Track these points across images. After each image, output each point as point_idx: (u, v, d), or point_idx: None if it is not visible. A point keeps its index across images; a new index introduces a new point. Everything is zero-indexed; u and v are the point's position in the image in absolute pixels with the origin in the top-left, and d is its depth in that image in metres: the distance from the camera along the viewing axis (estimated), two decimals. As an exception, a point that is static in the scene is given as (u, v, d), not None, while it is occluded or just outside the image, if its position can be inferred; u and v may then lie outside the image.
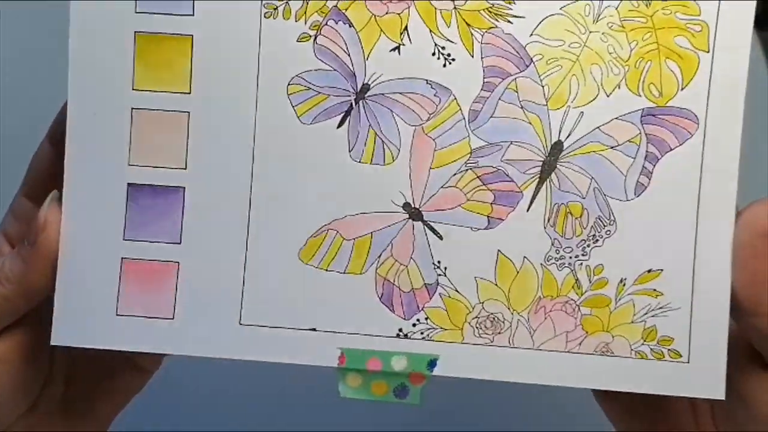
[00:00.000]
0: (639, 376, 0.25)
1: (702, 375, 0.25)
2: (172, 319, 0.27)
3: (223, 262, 0.27)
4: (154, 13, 0.26)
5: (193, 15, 0.26)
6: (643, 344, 0.25)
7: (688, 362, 0.25)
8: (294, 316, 0.26)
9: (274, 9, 0.26)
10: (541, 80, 0.26)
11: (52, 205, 0.26)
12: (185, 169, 0.27)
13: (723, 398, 0.25)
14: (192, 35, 0.26)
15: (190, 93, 0.27)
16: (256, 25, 0.26)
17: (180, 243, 0.27)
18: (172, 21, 0.26)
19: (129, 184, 0.27)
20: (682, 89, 0.25)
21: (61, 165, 0.27)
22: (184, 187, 0.27)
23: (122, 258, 0.27)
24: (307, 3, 0.26)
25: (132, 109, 0.27)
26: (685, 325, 0.25)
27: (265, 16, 0.26)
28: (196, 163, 0.27)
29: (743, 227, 0.25)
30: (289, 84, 0.26)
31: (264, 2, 0.26)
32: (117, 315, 0.27)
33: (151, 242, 0.27)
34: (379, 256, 0.26)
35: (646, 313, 0.25)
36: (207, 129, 0.27)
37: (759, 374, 0.25)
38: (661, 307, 0.25)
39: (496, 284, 0.26)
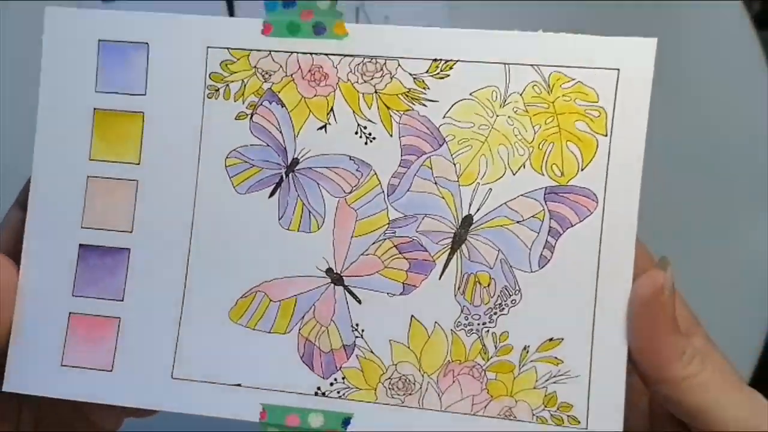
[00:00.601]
0: None
1: None
2: (111, 371, 0.29)
3: (160, 319, 0.29)
4: (111, 93, 0.30)
5: (145, 95, 0.29)
6: (544, 410, 0.27)
7: (587, 428, 0.26)
8: (221, 372, 0.28)
9: (216, 90, 0.29)
10: (453, 158, 0.28)
11: (2, 259, 0.29)
12: (131, 232, 0.29)
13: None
14: (143, 112, 0.29)
15: (139, 164, 0.29)
16: (199, 104, 0.29)
17: (122, 300, 0.29)
18: (126, 99, 0.30)
19: (81, 245, 0.29)
20: (582, 169, 0.27)
21: None
22: (129, 249, 0.29)
23: (70, 312, 0.29)
24: (245, 85, 0.29)
25: (88, 177, 0.30)
26: (583, 392, 0.26)
27: (207, 97, 0.29)
28: (142, 226, 0.29)
29: (633, 297, 0.26)
30: (227, 157, 0.29)
31: (207, 84, 0.29)
32: (62, 365, 0.29)
33: (97, 299, 0.29)
34: (303, 317, 0.28)
35: (547, 380, 0.27)
36: (152, 196, 0.29)
37: None
38: (561, 374, 0.27)
39: (408, 347, 0.28)
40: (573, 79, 0.27)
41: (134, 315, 0.29)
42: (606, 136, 0.27)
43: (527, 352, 0.27)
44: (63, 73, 0.30)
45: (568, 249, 0.27)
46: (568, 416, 0.26)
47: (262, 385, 0.28)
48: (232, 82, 0.29)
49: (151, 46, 0.29)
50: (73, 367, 0.29)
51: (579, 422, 0.26)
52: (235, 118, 0.29)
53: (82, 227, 0.29)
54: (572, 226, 0.27)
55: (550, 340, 0.27)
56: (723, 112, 0.47)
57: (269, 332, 0.28)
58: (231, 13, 0.47)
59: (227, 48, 0.29)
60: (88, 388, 0.29)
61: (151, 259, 0.29)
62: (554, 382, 0.27)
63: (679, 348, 0.25)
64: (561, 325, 0.27)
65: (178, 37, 0.29)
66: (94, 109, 0.30)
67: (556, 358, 0.27)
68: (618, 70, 0.27)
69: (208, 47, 0.29)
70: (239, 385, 0.28)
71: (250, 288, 0.29)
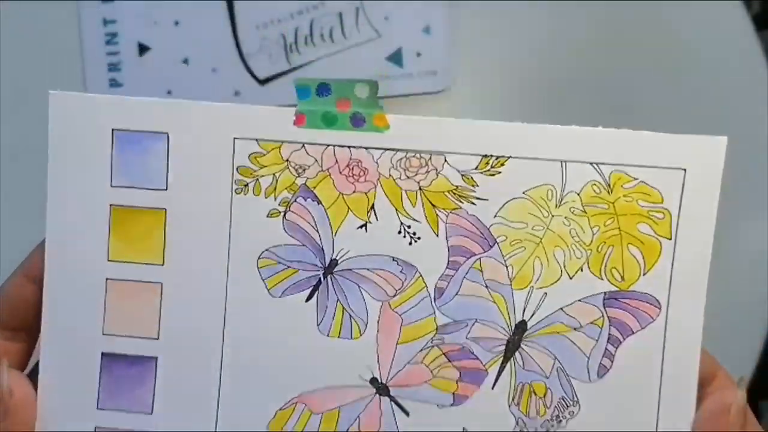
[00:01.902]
0: None
1: None
2: None
3: None
4: (129, 187, 0.27)
5: (166, 189, 0.27)
6: None
7: None
8: None
9: (245, 185, 0.27)
10: (505, 260, 0.26)
11: (12, 374, 0.27)
12: (158, 338, 0.27)
13: None
14: (165, 209, 0.27)
15: (163, 264, 0.27)
16: (227, 201, 0.27)
17: (151, 414, 0.27)
18: (146, 195, 0.27)
19: (103, 354, 0.27)
20: (645, 274, 0.25)
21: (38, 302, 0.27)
22: (157, 358, 0.27)
23: (96, 427, 0.27)
24: (277, 180, 0.27)
25: (107, 279, 0.27)
26: None
27: (236, 192, 0.27)
28: (169, 333, 0.27)
29: (699, 413, 0.25)
30: (259, 258, 0.27)
31: (235, 178, 0.27)
32: None
33: (124, 412, 0.27)
34: (347, 430, 0.27)
35: (608, 494, 0.26)
36: (179, 299, 0.27)
37: None
38: None
39: None
40: (635, 179, 0.25)
41: (165, 429, 0.27)
42: (670, 239, 0.25)
43: (587, 466, 0.26)
44: (73, 165, 0.27)
45: (629, 358, 0.26)
46: None
47: None
48: (263, 176, 0.27)
49: (171, 137, 0.27)
50: None
51: None
52: (267, 216, 0.27)
53: (104, 334, 0.27)
54: (633, 333, 0.26)
55: (611, 454, 0.26)
56: (723, 112, 0.47)
57: (311, 446, 0.27)
58: (231, 13, 0.45)
59: (256, 139, 0.27)
60: None
61: (181, 368, 0.27)
62: None
63: None
64: (622, 439, 0.26)
65: (201, 127, 0.27)
66: (111, 205, 0.27)
67: None
68: (684, 170, 0.25)
69: (234, 138, 0.27)
70: (282, 502, 0.27)
71: (289, 399, 0.27)
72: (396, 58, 0.45)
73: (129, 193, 0.27)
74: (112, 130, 0.27)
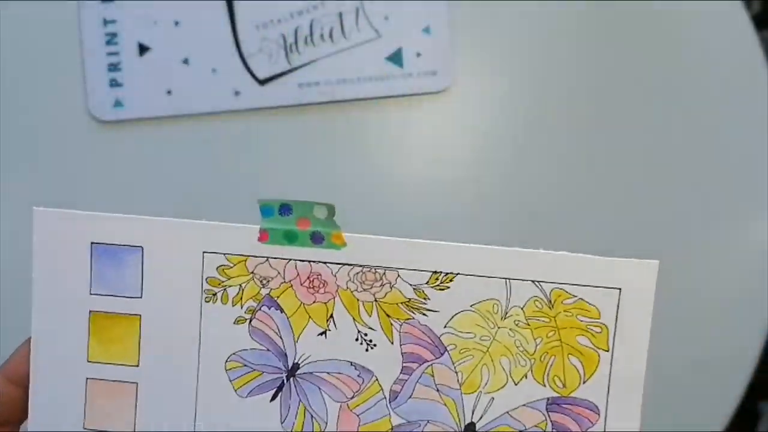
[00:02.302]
0: None
1: None
2: None
3: None
4: (106, 295, 0.29)
5: (141, 297, 0.29)
6: None
7: None
8: None
9: (213, 294, 0.29)
10: (454, 367, 0.28)
11: None
12: (134, 435, 0.29)
13: None
14: (140, 315, 0.29)
15: (138, 366, 0.29)
16: (197, 308, 0.29)
17: (129, 502, 0.29)
18: (122, 302, 0.29)
19: (82, 449, 0.29)
20: (584, 382, 0.27)
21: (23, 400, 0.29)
22: (134, 452, 0.29)
23: None
24: (243, 290, 0.29)
25: (87, 379, 0.29)
26: None
27: (205, 300, 0.29)
28: (144, 429, 0.29)
29: None
30: (227, 361, 0.29)
31: (205, 288, 0.29)
32: None
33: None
34: None
35: None
36: (153, 399, 0.29)
37: None
38: None
39: None
40: (574, 296, 0.27)
41: None
42: (608, 351, 0.27)
43: None
44: (56, 275, 0.29)
45: None
46: None
47: None
48: (230, 286, 0.29)
49: (145, 250, 0.29)
50: None
51: None
52: (234, 323, 0.29)
53: (84, 429, 0.29)
54: (574, 437, 0.27)
55: None
56: (723, 112, 0.47)
57: None
58: (231, 13, 0.45)
59: (224, 254, 0.28)
60: None
61: (155, 462, 0.29)
62: None
63: None
64: None
65: (173, 242, 0.29)
66: (90, 311, 0.29)
67: None
68: (620, 289, 0.27)
69: (204, 252, 0.29)
70: None
71: (255, 493, 0.29)
72: (396, 58, 0.45)
73: (107, 301, 0.29)
74: (91, 243, 0.29)
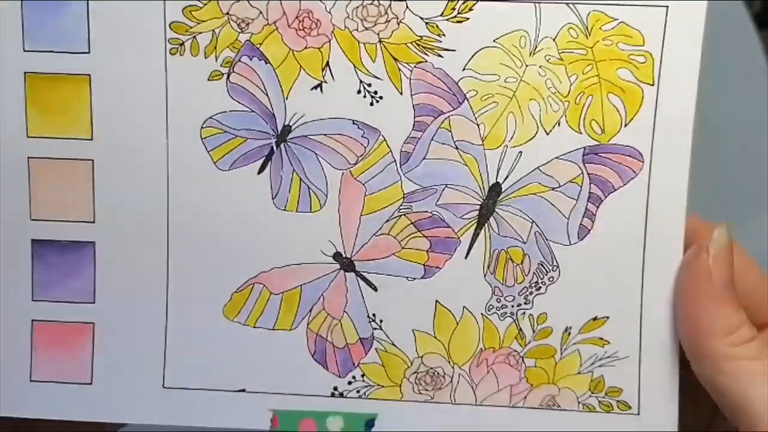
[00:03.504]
0: (588, 430, 0.24)
1: (654, 427, 0.24)
2: (90, 383, 0.25)
3: (143, 321, 0.25)
4: (45, 51, 0.24)
5: (89, 53, 0.24)
6: (590, 396, 0.24)
7: (639, 414, 0.24)
8: (221, 377, 0.25)
9: (180, 44, 0.24)
10: (476, 118, 0.24)
11: None
12: (93, 222, 0.24)
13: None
14: (89, 75, 0.24)
15: (91, 139, 0.24)
16: (160, 62, 0.24)
17: (94, 302, 0.25)
18: (65, 59, 0.24)
19: (33, 241, 0.24)
20: (626, 125, 0.23)
21: None
22: (94, 242, 0.24)
23: (32, 320, 0.25)
24: (217, 37, 0.23)
25: (28, 158, 0.24)
26: (633, 375, 0.24)
27: (170, 53, 0.24)
28: (105, 215, 0.24)
29: (682, 272, 0.23)
30: (202, 127, 0.24)
31: (168, 37, 0.23)
32: (31, 381, 0.25)
33: (62, 302, 0.25)
34: (310, 311, 0.25)
35: (592, 363, 0.24)
36: (114, 177, 0.24)
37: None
38: (608, 357, 0.24)
39: (434, 337, 0.24)
40: (615, 19, 0.23)
41: (110, 318, 0.25)
42: (653, 85, 0.23)
43: (569, 334, 0.24)
44: None
45: (611, 217, 0.24)
46: (617, 401, 0.24)
47: (270, 389, 0.25)
48: (200, 33, 0.23)
49: (91, -10, 0.23)
50: (44, 382, 0.25)
51: (630, 407, 0.24)
52: (209, 79, 0.24)
53: (32, 219, 0.24)
54: (615, 190, 0.24)
55: (594, 319, 0.24)
56: (723, 111, 0.45)
57: (272, 329, 0.25)
58: None
59: (190, -10, 0.23)
60: (65, 404, 0.25)
61: (123, 254, 0.24)
62: (600, 366, 0.24)
63: (727, 322, 0.23)
64: (606, 303, 0.24)
65: (125, -22, 0.23)
66: (25, 72, 0.24)
67: (601, 338, 0.24)
68: (667, 7, 0.23)
69: (165, -11, 0.23)
70: (243, 390, 0.25)
71: (245, 280, 0.24)
72: None
73: (46, 58, 0.24)
74: (20, -17, 0.23)
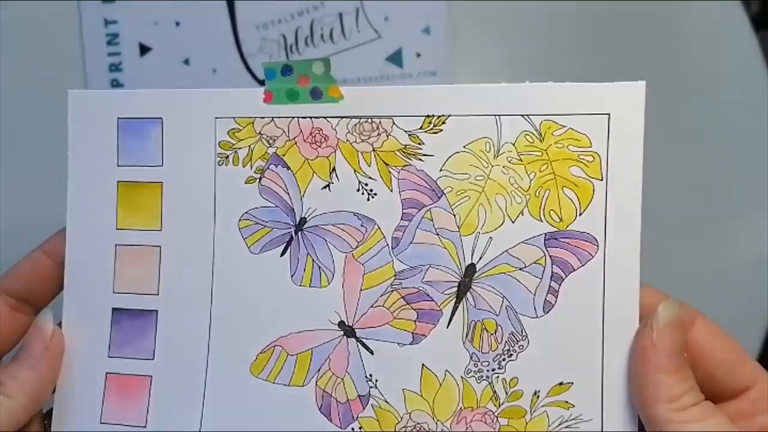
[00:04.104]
0: None
1: None
2: (144, 427, 0.31)
3: (188, 376, 0.31)
4: (132, 166, 0.32)
5: (162, 166, 0.31)
6: None
7: None
8: (245, 425, 0.30)
9: (225, 157, 0.31)
10: (452, 210, 0.29)
11: (48, 318, 0.31)
12: (158, 294, 0.31)
13: None
14: (162, 182, 0.31)
15: (161, 230, 0.31)
16: (211, 172, 0.31)
17: (153, 359, 0.31)
18: (145, 171, 0.32)
19: (114, 309, 0.32)
20: (581, 214, 0.27)
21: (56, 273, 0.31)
22: (157, 311, 0.31)
23: (107, 373, 0.31)
24: (252, 151, 0.31)
25: (116, 245, 0.32)
26: None
27: (218, 164, 0.31)
28: (167, 289, 0.31)
29: (633, 344, 0.26)
30: (240, 219, 0.31)
31: (217, 152, 0.31)
32: (101, 423, 0.31)
33: (130, 358, 0.31)
34: (319, 370, 0.30)
35: (559, 424, 0.27)
36: (174, 260, 0.31)
37: None
38: (573, 418, 0.27)
39: (421, 396, 0.28)
40: (564, 126, 0.27)
41: (164, 373, 0.31)
42: (602, 180, 0.27)
43: (537, 397, 0.27)
44: (88, 150, 0.32)
45: (572, 293, 0.27)
46: None
47: None
48: (240, 148, 0.31)
49: (165, 120, 0.31)
50: (110, 424, 0.31)
51: None
52: (245, 182, 0.31)
53: (114, 292, 0.32)
54: (574, 270, 0.27)
55: (560, 384, 0.27)
56: (722, 112, 0.46)
57: (288, 385, 0.30)
58: (231, 14, 0.45)
59: (233, 117, 0.31)
60: None
61: (177, 319, 0.31)
62: (567, 427, 0.27)
63: (670, 389, 0.25)
64: (570, 369, 0.27)
65: (188, 111, 0.31)
66: (118, 182, 0.32)
67: (566, 402, 0.27)
68: (608, 114, 0.27)
69: (215, 117, 0.31)
70: (263, 437, 0.30)
71: (268, 343, 0.30)
72: (396, 58, 0.46)
73: (132, 171, 0.32)
74: (117, 118, 0.32)
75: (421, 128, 0.29)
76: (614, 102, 0.27)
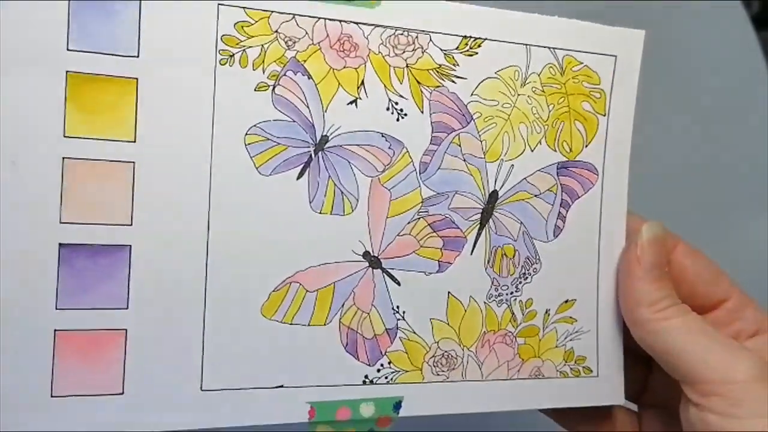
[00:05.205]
0: (563, 394, 0.29)
1: (606, 386, 0.30)
2: (122, 394, 0.24)
3: (180, 325, 0.25)
4: (90, 52, 0.23)
5: (138, 57, 0.24)
6: (565, 365, 0.30)
7: (598, 376, 0.30)
8: (260, 376, 0.25)
9: (230, 56, 0.25)
10: (479, 136, 0.28)
11: None
12: (131, 225, 0.24)
13: (622, 404, 0.30)
14: (137, 78, 0.24)
15: (134, 141, 0.24)
16: (210, 72, 0.25)
17: (126, 308, 0.24)
18: (111, 61, 0.24)
19: (61, 245, 0.23)
20: (587, 146, 0.30)
21: None
22: (131, 246, 0.24)
23: (55, 330, 0.23)
24: (265, 52, 0.25)
25: (63, 158, 0.23)
26: (593, 345, 0.30)
27: (220, 63, 0.25)
28: (144, 218, 0.24)
29: (620, 259, 0.30)
30: (246, 134, 0.25)
31: (219, 48, 0.25)
32: (52, 396, 0.23)
33: (90, 309, 0.24)
34: (342, 305, 0.27)
35: (565, 338, 0.30)
36: (156, 180, 0.24)
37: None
38: (576, 331, 0.30)
39: (448, 324, 0.28)
40: (581, 63, 0.29)
41: (145, 325, 0.24)
42: (605, 115, 0.30)
43: (548, 315, 0.29)
44: (23, 25, 0.22)
45: (576, 218, 0.30)
46: (583, 367, 0.30)
47: (307, 382, 0.26)
48: (250, 47, 0.25)
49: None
50: (68, 396, 0.23)
51: (592, 371, 0.30)
52: (255, 90, 0.25)
53: (61, 222, 0.23)
54: (579, 197, 0.30)
55: (566, 301, 0.30)
56: (723, 112, 0.47)
57: (308, 325, 0.26)
58: None
59: (243, 7, 0.25)
60: (94, 417, 0.24)
61: (160, 256, 0.24)
62: (571, 340, 0.30)
63: (650, 295, 0.29)
64: (574, 288, 0.30)
65: (181, -12, 0.24)
66: (67, 72, 0.23)
67: (571, 317, 0.30)
68: (615, 56, 0.30)
69: (219, 4, 0.25)
70: (281, 386, 0.26)
71: (283, 279, 0.26)
72: None
73: (91, 59, 0.23)
74: (69, -17, 0.23)
75: (457, 48, 0.28)
76: (621, 46, 0.30)
